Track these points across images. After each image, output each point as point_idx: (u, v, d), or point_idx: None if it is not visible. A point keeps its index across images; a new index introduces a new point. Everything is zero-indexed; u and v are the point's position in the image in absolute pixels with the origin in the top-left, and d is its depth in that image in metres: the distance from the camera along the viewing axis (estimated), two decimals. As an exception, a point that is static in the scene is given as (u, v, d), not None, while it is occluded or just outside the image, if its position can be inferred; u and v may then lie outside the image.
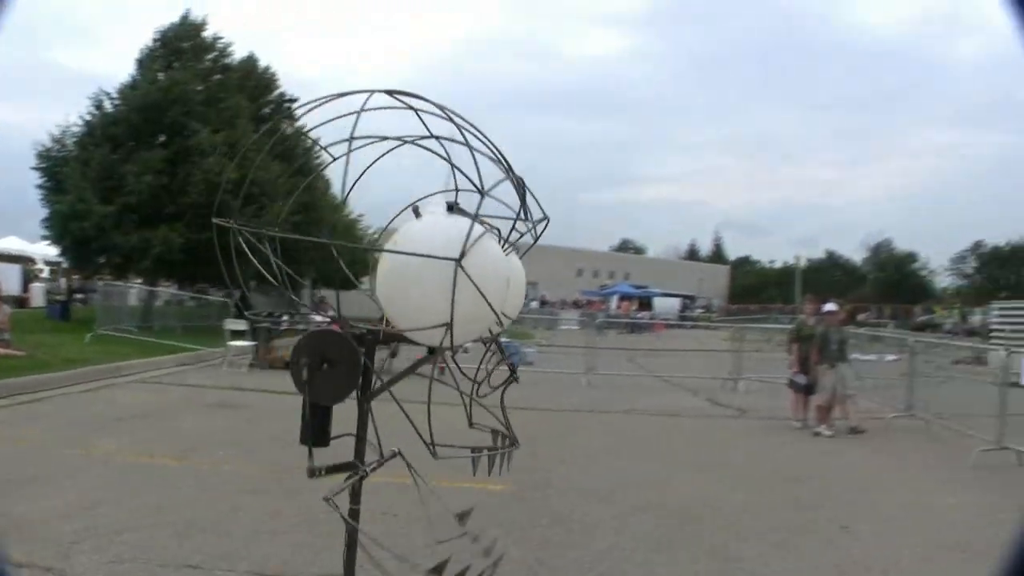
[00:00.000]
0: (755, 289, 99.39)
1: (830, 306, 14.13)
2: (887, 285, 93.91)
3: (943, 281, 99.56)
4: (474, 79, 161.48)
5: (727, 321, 48.03)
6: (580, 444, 11.44)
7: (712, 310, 75.40)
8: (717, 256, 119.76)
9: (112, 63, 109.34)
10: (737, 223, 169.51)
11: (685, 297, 75.79)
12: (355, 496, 3.51)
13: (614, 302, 65.50)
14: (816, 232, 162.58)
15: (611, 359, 21.32)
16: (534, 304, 65.30)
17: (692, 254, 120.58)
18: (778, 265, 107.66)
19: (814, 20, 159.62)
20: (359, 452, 3.51)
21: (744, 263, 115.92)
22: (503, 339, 3.89)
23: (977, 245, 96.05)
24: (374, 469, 3.45)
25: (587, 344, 21.09)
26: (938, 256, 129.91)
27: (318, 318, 21.10)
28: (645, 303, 65.51)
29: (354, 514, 3.51)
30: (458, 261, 2.84)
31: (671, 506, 8.18)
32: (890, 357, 19.17)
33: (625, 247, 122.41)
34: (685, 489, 8.97)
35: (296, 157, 24.78)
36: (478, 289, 2.91)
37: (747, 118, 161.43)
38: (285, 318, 21.82)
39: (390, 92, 3.10)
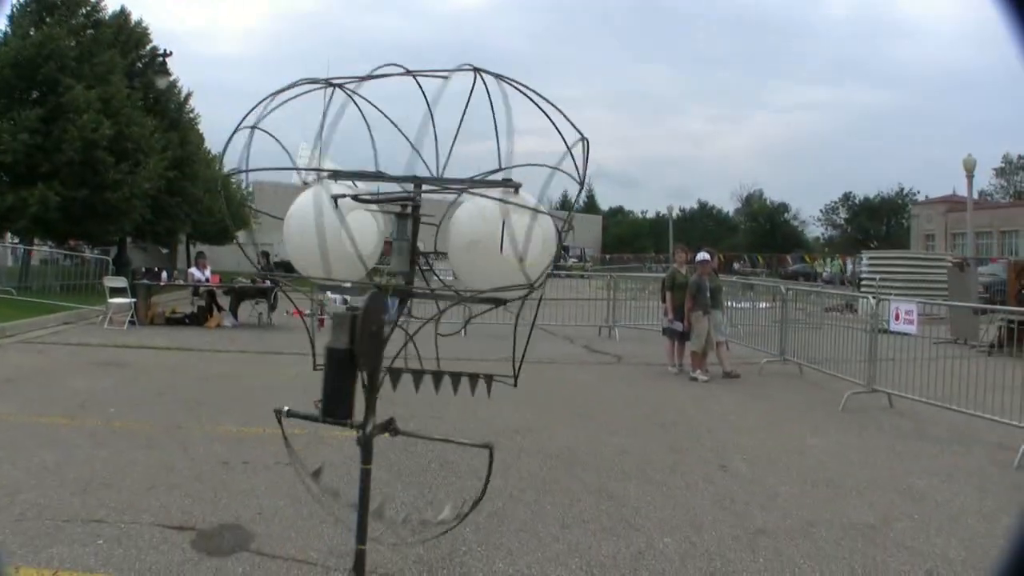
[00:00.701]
0: (628, 239, 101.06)
1: (703, 255, 14.39)
2: (759, 235, 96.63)
3: (814, 231, 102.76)
4: (339, 32, 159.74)
5: (601, 271, 48.66)
6: (461, 393, 11.46)
7: (586, 260, 76.29)
8: (591, 207, 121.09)
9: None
10: (610, 175, 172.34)
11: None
12: (367, 455, 3.69)
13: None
14: (688, 183, 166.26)
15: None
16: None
17: (564, 205, 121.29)
18: (651, 215, 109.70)
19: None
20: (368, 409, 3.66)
21: (617, 213, 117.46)
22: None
23: (847, 196, 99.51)
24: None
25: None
26: (809, 207, 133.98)
27: (196, 273, 20.80)
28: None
29: (366, 474, 3.70)
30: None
31: (553, 450, 8.30)
32: (763, 305, 19.69)
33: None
34: (566, 434, 9.10)
35: (168, 112, 23.95)
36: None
37: (620, 73, 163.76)
38: (164, 274, 21.33)
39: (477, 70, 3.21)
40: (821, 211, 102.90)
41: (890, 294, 17.82)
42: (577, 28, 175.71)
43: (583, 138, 3.25)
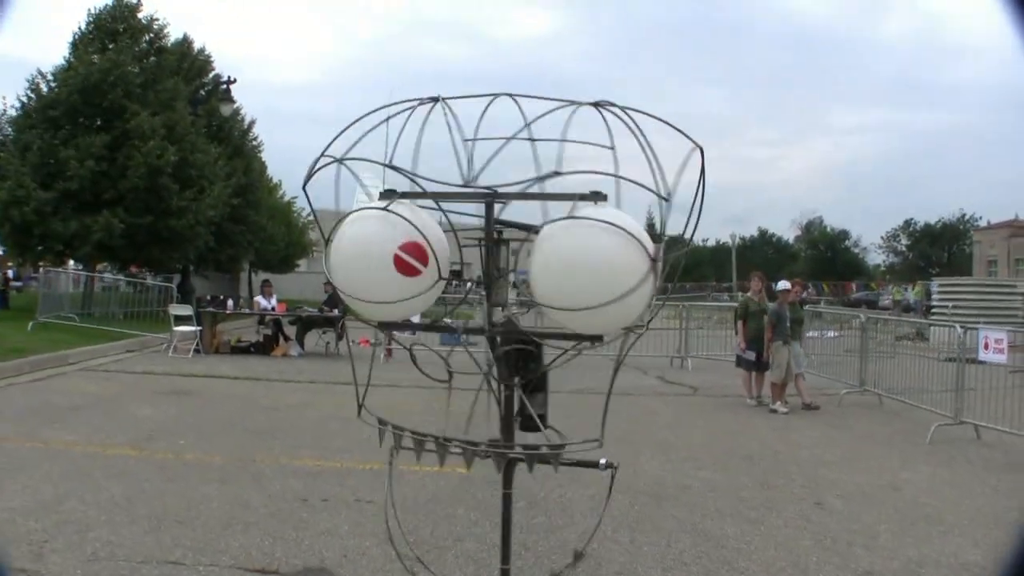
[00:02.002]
0: (689, 267, 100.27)
1: (783, 284, 14.24)
2: (819, 262, 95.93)
3: (875, 258, 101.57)
4: (401, 59, 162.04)
5: (666, 300, 48.26)
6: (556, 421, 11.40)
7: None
8: (651, 235, 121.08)
9: (41, 48, 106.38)
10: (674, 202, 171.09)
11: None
12: (507, 481, 3.72)
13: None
14: (748, 210, 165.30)
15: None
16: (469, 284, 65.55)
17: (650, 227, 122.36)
18: (711, 244, 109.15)
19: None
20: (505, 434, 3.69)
21: (677, 242, 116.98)
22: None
23: (908, 223, 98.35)
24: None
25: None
26: (870, 233, 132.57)
27: (262, 301, 20.94)
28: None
29: (507, 498, 3.75)
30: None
31: (641, 486, 8.16)
32: (831, 333, 19.37)
33: None
34: (652, 469, 8.97)
35: (232, 139, 24.24)
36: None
37: (678, 96, 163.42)
38: (230, 302, 21.50)
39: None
40: (882, 238, 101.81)
41: (965, 322, 17.44)
42: (635, 50, 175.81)
43: (699, 147, 3.14)
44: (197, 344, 19.12)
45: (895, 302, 52.31)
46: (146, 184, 25.18)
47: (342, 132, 3.34)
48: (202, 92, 32.60)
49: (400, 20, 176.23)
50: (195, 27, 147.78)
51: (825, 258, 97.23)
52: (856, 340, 16.06)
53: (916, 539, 6.78)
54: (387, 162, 3.24)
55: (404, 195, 3.35)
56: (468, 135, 3.23)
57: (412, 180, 3.26)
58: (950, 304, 24.79)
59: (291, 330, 20.98)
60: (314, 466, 8.59)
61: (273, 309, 21.07)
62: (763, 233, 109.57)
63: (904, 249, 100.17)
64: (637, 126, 3.09)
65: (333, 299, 19.64)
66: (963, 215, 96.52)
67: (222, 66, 47.50)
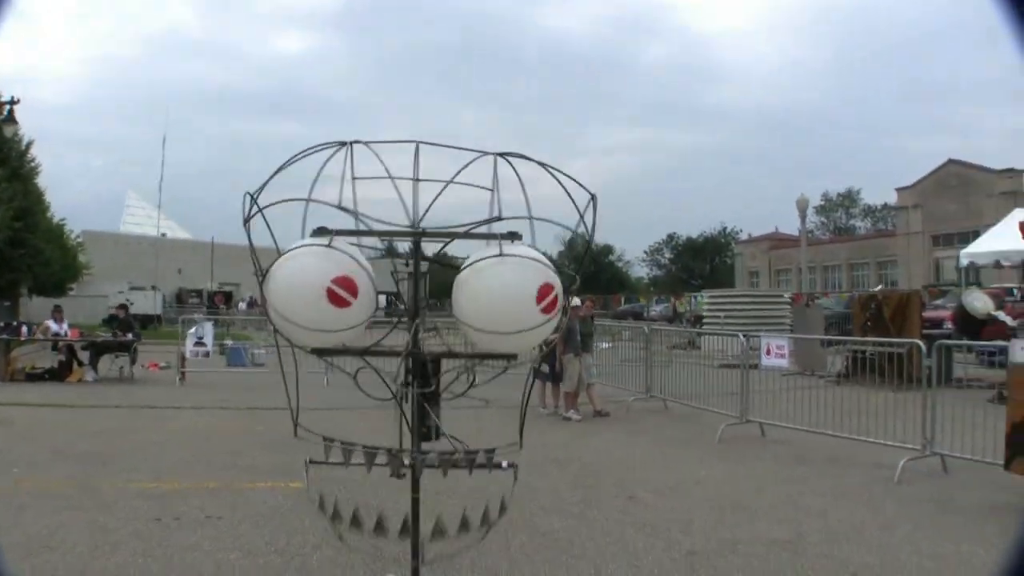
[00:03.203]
0: None
1: (576, 301, 15.13)
2: (584, 277, 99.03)
3: (639, 271, 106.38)
4: (153, 79, 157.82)
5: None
6: (369, 437, 11.81)
7: (421, 306, 77.07)
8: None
9: None
10: (429, 219, 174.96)
11: (389, 293, 77.39)
12: (415, 485, 4.32)
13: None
14: (513, 228, 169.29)
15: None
16: (242, 306, 64.43)
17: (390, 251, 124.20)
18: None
19: (501, 23, 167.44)
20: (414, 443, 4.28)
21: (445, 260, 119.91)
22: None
23: (671, 237, 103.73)
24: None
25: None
26: (633, 248, 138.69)
27: (53, 326, 20.26)
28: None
29: (415, 502, 4.35)
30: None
31: (465, 492, 8.60)
32: (604, 344, 20.55)
33: None
34: (469, 477, 9.45)
35: (10, 161, 23.17)
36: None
37: (439, 117, 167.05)
38: (24, 328, 20.72)
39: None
40: (645, 252, 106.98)
41: (737, 330, 19.08)
42: (394, 72, 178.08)
43: (592, 196, 3.75)
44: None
45: (678, 314, 54.98)
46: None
47: (270, 178, 3.78)
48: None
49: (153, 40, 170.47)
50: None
51: (590, 273, 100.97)
52: (629, 350, 17.27)
53: (727, 524, 7.61)
54: (312, 200, 3.67)
55: (339, 232, 3.78)
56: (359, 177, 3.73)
57: (358, 219, 3.71)
58: (722, 314, 26.69)
59: (84, 355, 20.46)
60: (154, 488, 8.69)
61: (65, 334, 20.65)
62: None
63: (667, 262, 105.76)
64: (552, 172, 3.69)
65: (126, 323, 20.01)
66: (724, 228, 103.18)
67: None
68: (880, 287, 53.38)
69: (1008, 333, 14.69)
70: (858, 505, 8.27)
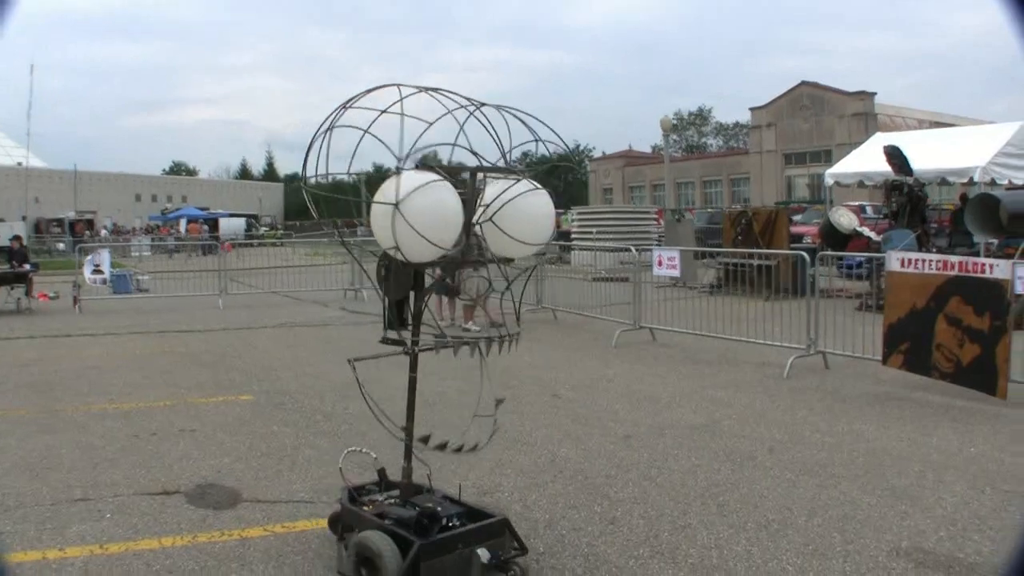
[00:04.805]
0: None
1: None
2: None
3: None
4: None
5: (297, 237, 50.39)
6: (281, 355, 12.65)
7: (276, 227, 76.84)
8: (271, 174, 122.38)
9: None
10: (285, 142, 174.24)
11: (249, 216, 76.71)
12: (413, 365, 4.97)
13: (183, 225, 64.97)
14: (365, 147, 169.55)
15: (213, 282, 21.79)
16: (104, 232, 63.03)
17: (245, 173, 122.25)
18: (328, 180, 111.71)
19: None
20: (414, 331, 4.84)
21: (293, 179, 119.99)
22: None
23: (525, 155, 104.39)
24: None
25: (218, 267, 21.59)
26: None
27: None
28: (212, 224, 65.35)
29: (412, 381, 5.04)
30: (396, 205, 4.25)
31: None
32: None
33: (177, 170, 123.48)
34: (402, 382, 10.32)
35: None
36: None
37: (293, 39, 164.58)
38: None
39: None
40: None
41: (608, 244, 20.49)
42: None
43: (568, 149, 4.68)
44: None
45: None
46: None
47: (342, 106, 4.53)
48: None
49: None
50: None
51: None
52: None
53: (648, 412, 8.72)
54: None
55: (453, 168, 4.62)
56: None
57: (476, 156, 4.64)
58: (594, 230, 27.82)
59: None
60: (114, 409, 9.18)
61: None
62: (379, 168, 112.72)
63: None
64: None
65: (20, 254, 20.02)
66: (578, 146, 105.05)
67: None
68: (739, 205, 55.82)
69: (872, 247, 16.26)
70: (757, 395, 9.50)
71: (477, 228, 4.70)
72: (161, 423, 8.45)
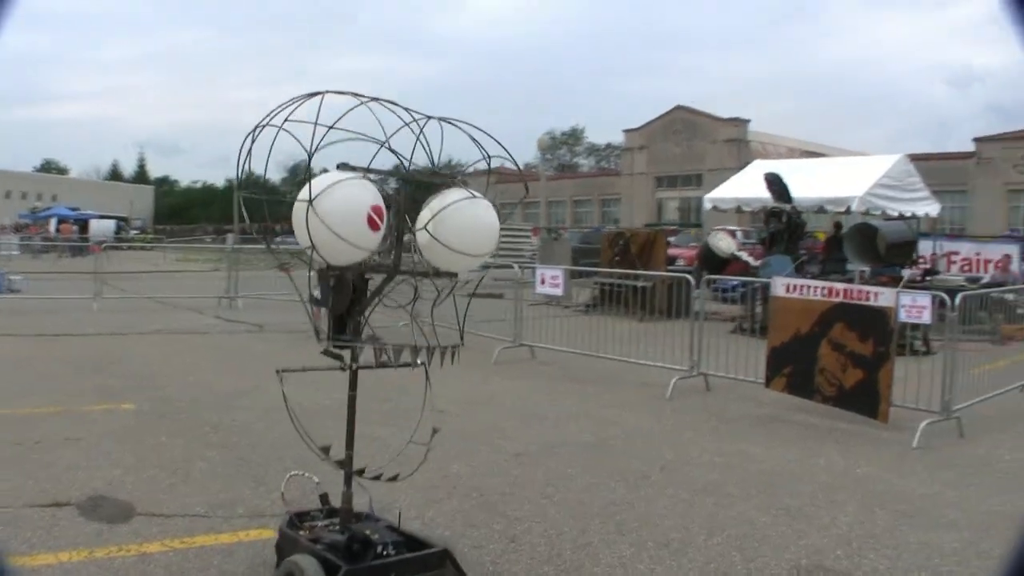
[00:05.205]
0: (180, 209, 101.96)
1: None
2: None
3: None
4: None
5: (168, 242, 49.43)
6: (161, 362, 12.39)
7: (146, 231, 75.26)
8: (142, 176, 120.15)
9: None
10: (156, 143, 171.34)
11: (119, 218, 74.85)
12: (352, 383, 4.94)
13: (53, 224, 62.73)
14: (232, 152, 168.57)
15: (87, 284, 21.11)
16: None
17: (116, 174, 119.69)
18: (199, 185, 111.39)
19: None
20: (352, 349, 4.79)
21: (164, 183, 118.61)
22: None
23: (397, 168, 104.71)
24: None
25: (94, 270, 20.94)
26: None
27: None
28: (83, 225, 63.29)
29: (352, 400, 4.98)
30: (309, 202, 4.21)
31: (308, 407, 9.36)
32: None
33: (48, 168, 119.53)
34: (295, 395, 10.13)
35: None
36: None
37: (165, 36, 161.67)
38: None
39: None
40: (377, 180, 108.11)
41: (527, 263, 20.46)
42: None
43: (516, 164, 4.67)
44: None
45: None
46: None
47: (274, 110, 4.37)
48: None
49: None
50: None
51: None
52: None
53: (536, 430, 8.73)
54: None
55: (367, 169, 4.48)
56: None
57: (398, 156, 4.50)
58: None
59: None
60: None
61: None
62: (250, 175, 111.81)
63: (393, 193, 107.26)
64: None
65: None
66: (450, 160, 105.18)
67: None
68: (613, 226, 56.65)
69: (750, 271, 16.66)
70: (642, 415, 9.61)
71: (413, 237, 4.60)
72: (45, 431, 8.08)
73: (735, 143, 63.53)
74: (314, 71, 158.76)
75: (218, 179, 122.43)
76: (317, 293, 14.53)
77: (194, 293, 21.46)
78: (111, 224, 66.30)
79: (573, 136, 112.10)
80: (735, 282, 16.48)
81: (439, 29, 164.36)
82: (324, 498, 4.99)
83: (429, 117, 4.51)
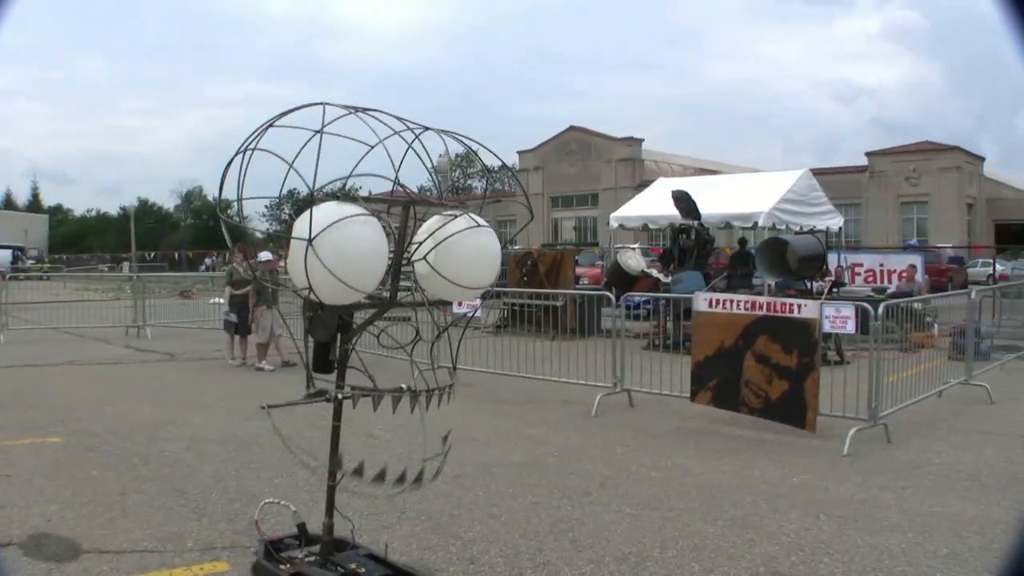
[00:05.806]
0: (75, 238, 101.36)
1: (265, 255, 15.99)
2: (202, 231, 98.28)
3: (261, 225, 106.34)
4: None
5: (67, 271, 48.62)
6: (78, 394, 12.18)
7: (43, 260, 73.45)
8: (35, 205, 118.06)
9: None
10: (46, 171, 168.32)
11: (16, 248, 72.77)
12: (336, 414, 4.74)
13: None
14: (121, 181, 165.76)
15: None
16: None
17: (9, 203, 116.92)
18: (92, 213, 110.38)
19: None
20: (339, 377, 4.63)
21: (57, 211, 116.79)
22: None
23: (291, 192, 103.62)
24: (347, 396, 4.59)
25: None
26: (260, 204, 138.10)
27: None
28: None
29: (336, 430, 4.75)
30: (309, 241, 3.93)
31: (237, 435, 9.30)
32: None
33: None
34: (208, 423, 10.04)
35: None
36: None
37: (53, 63, 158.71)
38: None
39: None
40: (266, 207, 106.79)
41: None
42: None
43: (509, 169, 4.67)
44: None
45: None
46: None
47: (258, 129, 4.24)
48: None
49: None
50: None
51: (208, 227, 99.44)
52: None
53: (469, 451, 8.64)
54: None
55: (368, 199, 4.37)
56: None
57: (403, 188, 4.37)
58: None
59: None
60: None
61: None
62: (144, 203, 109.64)
63: (288, 217, 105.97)
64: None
65: None
66: (344, 186, 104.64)
67: None
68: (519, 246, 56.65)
69: (660, 287, 16.93)
70: (571, 433, 9.70)
71: (412, 267, 4.47)
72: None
73: (629, 162, 64.61)
74: (201, 99, 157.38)
75: (112, 207, 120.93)
76: (232, 317, 14.51)
77: (99, 323, 21.35)
78: (7, 254, 64.65)
79: (467, 158, 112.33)
80: (644, 298, 16.73)
81: (326, 55, 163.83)
82: (302, 528, 4.86)
83: (426, 128, 4.42)
